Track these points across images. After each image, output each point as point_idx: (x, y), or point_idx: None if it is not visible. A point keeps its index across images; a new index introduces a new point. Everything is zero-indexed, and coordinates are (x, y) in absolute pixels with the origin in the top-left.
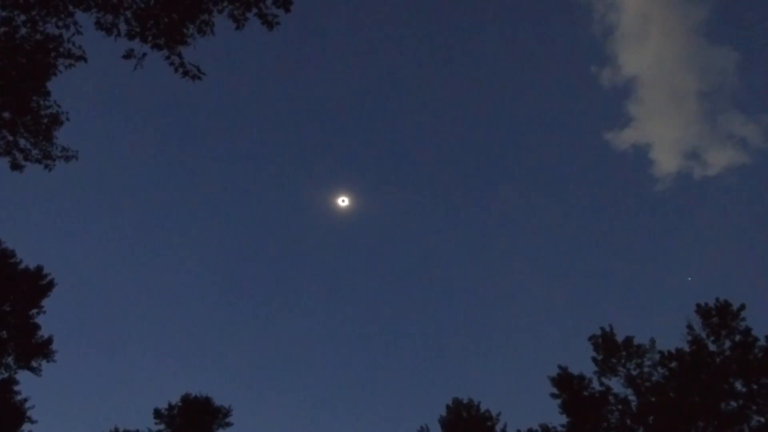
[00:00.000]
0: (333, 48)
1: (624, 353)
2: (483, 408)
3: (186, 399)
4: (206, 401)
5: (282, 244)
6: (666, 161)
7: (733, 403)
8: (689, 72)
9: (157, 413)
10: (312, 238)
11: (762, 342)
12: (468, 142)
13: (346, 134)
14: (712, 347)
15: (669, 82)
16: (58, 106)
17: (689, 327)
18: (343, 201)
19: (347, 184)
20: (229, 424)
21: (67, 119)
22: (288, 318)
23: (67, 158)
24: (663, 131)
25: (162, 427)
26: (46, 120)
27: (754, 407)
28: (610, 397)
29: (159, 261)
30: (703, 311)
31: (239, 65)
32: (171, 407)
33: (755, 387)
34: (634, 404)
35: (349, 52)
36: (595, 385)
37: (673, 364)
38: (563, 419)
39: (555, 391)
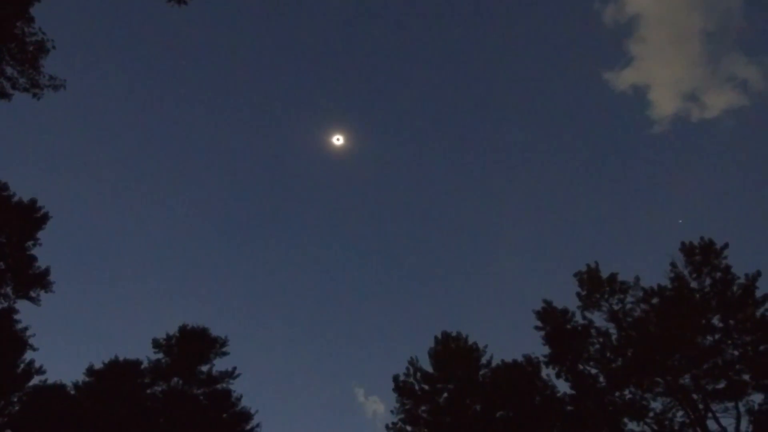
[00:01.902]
0: None
1: (608, 289)
2: (470, 341)
3: (183, 329)
4: (203, 332)
5: (276, 181)
6: (664, 103)
7: (710, 338)
8: (694, 11)
9: (156, 343)
10: (306, 176)
11: (741, 280)
12: (465, 78)
13: (341, 71)
14: (693, 284)
15: (673, 21)
16: (44, 33)
17: (672, 264)
18: (338, 140)
19: (343, 122)
20: (225, 354)
21: (54, 47)
22: (283, 253)
23: (55, 87)
24: (663, 72)
25: (161, 356)
26: (31, 48)
27: (729, 342)
28: (592, 330)
29: (156, 195)
30: (687, 249)
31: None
32: (169, 337)
33: (732, 322)
34: (614, 337)
35: None
36: (578, 318)
37: (655, 300)
38: (546, 350)
39: (539, 324)
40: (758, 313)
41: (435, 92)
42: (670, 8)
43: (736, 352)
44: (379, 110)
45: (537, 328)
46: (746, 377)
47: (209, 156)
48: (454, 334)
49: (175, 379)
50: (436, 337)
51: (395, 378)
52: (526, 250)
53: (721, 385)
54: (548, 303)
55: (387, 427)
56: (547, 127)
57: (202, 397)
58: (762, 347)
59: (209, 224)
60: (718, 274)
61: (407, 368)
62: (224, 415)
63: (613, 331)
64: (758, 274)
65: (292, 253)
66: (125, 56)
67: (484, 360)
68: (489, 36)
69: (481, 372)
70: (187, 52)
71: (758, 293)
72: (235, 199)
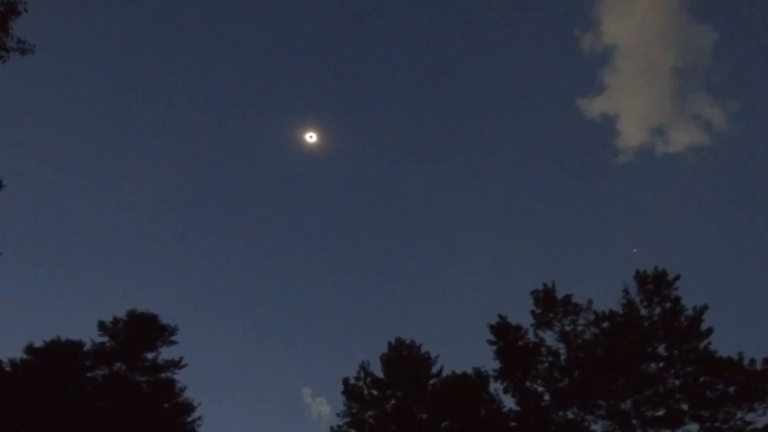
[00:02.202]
0: None
1: (561, 309)
2: (423, 350)
3: (132, 314)
4: (152, 318)
5: (242, 174)
6: (631, 134)
7: (654, 366)
8: (668, 47)
9: (102, 325)
10: (273, 172)
11: (689, 312)
12: (441, 84)
13: (315, 66)
14: (643, 312)
15: (647, 55)
16: None
17: (625, 291)
18: (311, 137)
19: (317, 119)
20: (173, 343)
21: (25, 10)
22: (242, 249)
23: (23, 51)
24: (633, 104)
25: (105, 339)
26: (2, 8)
27: (672, 371)
28: (543, 349)
29: (115, 181)
30: (640, 277)
31: None
32: (116, 321)
33: (676, 352)
34: (563, 358)
35: None
36: (531, 336)
37: (605, 324)
38: (496, 365)
39: (492, 338)
40: (701, 346)
41: (409, 99)
42: (645, 42)
43: (677, 382)
44: (358, 110)
45: (490, 342)
46: (684, 407)
47: (173, 144)
48: (407, 341)
49: (118, 364)
50: (389, 343)
51: (345, 381)
52: (487, 265)
53: (660, 413)
54: (503, 318)
55: (331, 429)
56: (516, 144)
57: (144, 385)
58: (702, 379)
59: (171, 214)
60: (668, 305)
61: (358, 372)
62: (166, 405)
63: (562, 351)
64: (705, 307)
65: (252, 250)
66: (96, 43)
67: (434, 370)
68: (468, 46)
69: (431, 381)
70: (158, 40)
71: (703, 326)
72: (198, 191)
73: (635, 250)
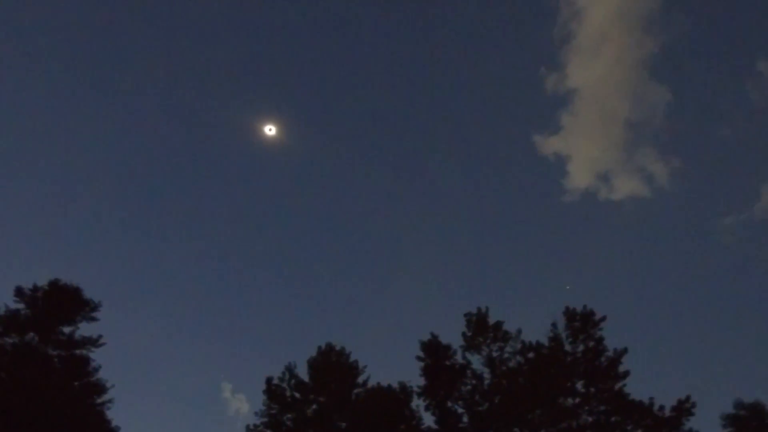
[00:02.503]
0: None
1: (491, 335)
2: (352, 358)
3: (54, 284)
4: (75, 291)
5: (192, 161)
6: (579, 176)
7: (571, 400)
8: (625, 99)
9: (19, 291)
10: (226, 161)
11: (609, 353)
12: (403, 98)
13: (281, 59)
14: (568, 347)
15: (605, 104)
16: None
17: (553, 325)
18: (270, 129)
19: (277, 112)
20: (93, 319)
21: None
22: (180, 235)
23: None
24: (585, 147)
25: (22, 306)
26: None
27: (587, 407)
28: (468, 372)
29: (66, 174)
30: (569, 314)
31: None
32: (36, 288)
33: (593, 390)
34: (487, 383)
35: None
36: (459, 357)
37: (531, 355)
38: (422, 382)
39: (422, 354)
40: (617, 387)
41: (371, 109)
42: (605, 91)
43: (590, 419)
44: (320, 112)
45: (419, 358)
46: None
47: (120, 130)
48: (338, 347)
49: (32, 334)
50: (319, 347)
51: (268, 380)
52: (427, 281)
53: None
54: (434, 336)
55: (247, 427)
56: (469, 168)
57: (56, 359)
58: (613, 418)
59: (112, 194)
60: (591, 343)
61: (283, 373)
62: (76, 383)
63: (487, 376)
64: (625, 350)
65: (188, 236)
66: (48, 29)
67: (360, 379)
68: (438, 61)
69: (355, 391)
70: (106, 23)
71: (621, 368)
72: (146, 180)
73: (568, 287)
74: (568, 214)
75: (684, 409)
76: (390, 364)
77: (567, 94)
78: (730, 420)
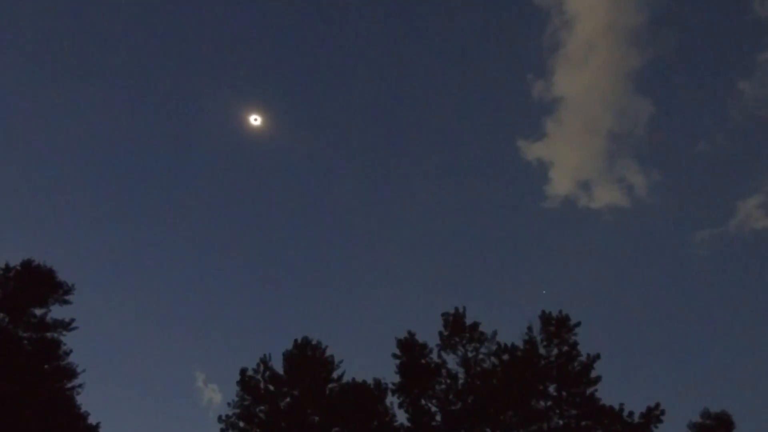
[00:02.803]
0: None
1: (467, 335)
2: (328, 353)
3: (27, 264)
4: (48, 272)
5: (177, 150)
6: (560, 183)
7: (543, 403)
8: (609, 111)
9: None
10: (210, 151)
11: (583, 358)
12: (390, 96)
13: (262, 46)
14: (542, 351)
15: (589, 113)
16: None
17: (529, 328)
18: (255, 120)
19: (262, 101)
20: (66, 302)
21: None
22: (160, 223)
23: None
24: (568, 155)
25: None
26: None
27: (558, 411)
28: (443, 371)
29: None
30: (544, 318)
31: None
32: (7, 268)
33: (565, 394)
34: (461, 382)
35: None
36: (434, 356)
37: (505, 356)
38: (397, 379)
39: (398, 352)
40: (588, 392)
41: (356, 105)
42: (590, 101)
43: (561, 422)
44: (309, 97)
45: (395, 356)
46: None
47: (101, 117)
48: (314, 341)
49: (2, 315)
50: (295, 341)
51: (243, 371)
52: (405, 279)
53: None
54: (411, 334)
55: (219, 418)
56: (452, 169)
57: (26, 341)
58: (584, 423)
59: (92, 183)
60: (565, 348)
61: (258, 365)
62: (46, 366)
63: (461, 375)
64: (598, 356)
65: (169, 225)
66: (31, 21)
67: (335, 374)
68: (426, 61)
69: (330, 385)
70: (90, 12)
71: (593, 373)
72: (124, 164)
73: (544, 291)
74: (548, 220)
75: (653, 416)
76: (366, 360)
77: (553, 101)
78: (696, 428)
